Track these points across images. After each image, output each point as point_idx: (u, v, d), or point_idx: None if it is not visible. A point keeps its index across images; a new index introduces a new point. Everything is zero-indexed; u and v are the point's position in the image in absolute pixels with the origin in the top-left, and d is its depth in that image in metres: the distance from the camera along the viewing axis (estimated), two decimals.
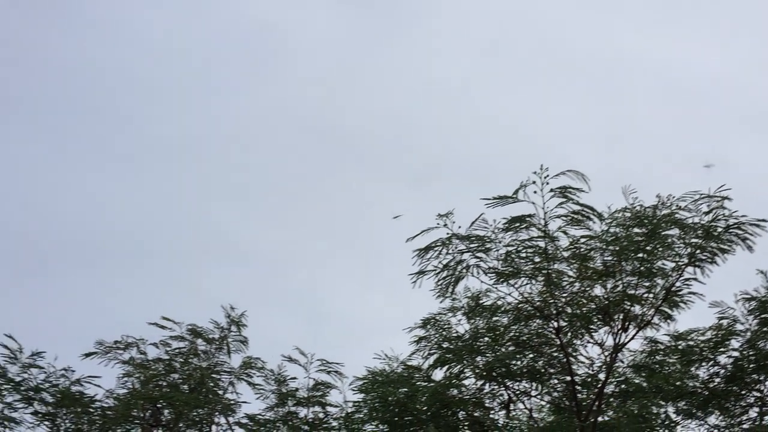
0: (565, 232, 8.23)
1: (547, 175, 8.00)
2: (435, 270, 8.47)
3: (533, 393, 9.13)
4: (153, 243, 21.00)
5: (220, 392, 10.20)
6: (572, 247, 8.32)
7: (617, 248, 8.29)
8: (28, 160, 21.70)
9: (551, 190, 8.02)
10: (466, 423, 9.06)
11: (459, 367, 8.86)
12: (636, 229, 8.35)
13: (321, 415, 10.14)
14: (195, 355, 10.43)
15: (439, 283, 8.57)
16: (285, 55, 24.10)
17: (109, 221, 21.17)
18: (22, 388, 9.63)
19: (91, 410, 9.78)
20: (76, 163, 22.09)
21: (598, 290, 8.53)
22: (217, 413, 10.02)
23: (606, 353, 8.76)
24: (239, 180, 22.74)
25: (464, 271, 8.48)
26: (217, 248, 21.52)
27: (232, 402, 10.14)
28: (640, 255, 8.29)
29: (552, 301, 8.48)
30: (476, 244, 8.37)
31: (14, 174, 21.34)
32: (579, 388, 8.86)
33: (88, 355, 10.17)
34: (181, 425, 10.04)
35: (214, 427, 10.06)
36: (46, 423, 9.75)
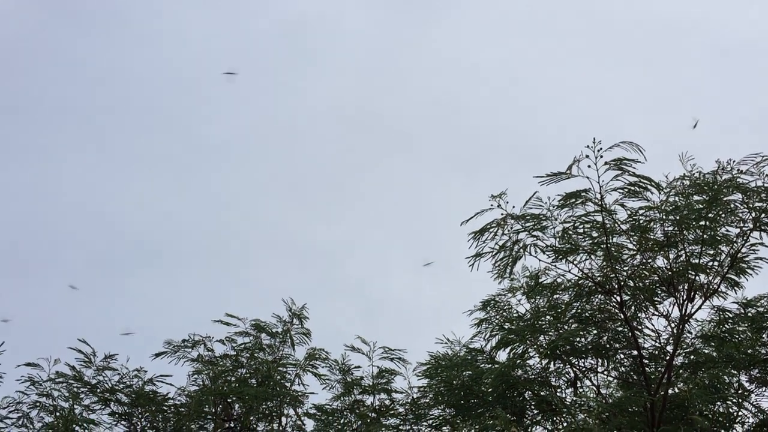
0: (622, 205, 7.80)
1: (601, 149, 7.58)
2: (492, 252, 8.16)
3: (600, 369, 8.75)
4: (209, 242, 21.10)
5: (287, 384, 10.09)
6: (631, 219, 7.89)
7: (678, 217, 7.82)
8: (82, 167, 22.01)
9: (605, 163, 7.59)
10: (533, 403, 8.73)
11: (522, 347, 8.53)
12: (696, 197, 7.88)
13: (387, 402, 9.95)
14: (260, 349, 10.34)
15: (496, 265, 8.25)
16: (323, 46, 23.87)
17: (164, 223, 21.35)
18: (98, 390, 9.69)
19: (165, 408, 9.79)
20: (126, 167, 22.32)
21: (660, 261, 8.09)
22: (285, 405, 9.91)
23: (672, 325, 8.32)
24: (289, 175, 22.69)
25: (521, 250, 8.13)
26: (272, 244, 21.52)
27: (299, 393, 10.03)
28: (702, 223, 7.81)
29: (613, 275, 8.07)
30: (532, 223, 8.01)
31: (71, 182, 21.68)
32: (646, 361, 8.43)
33: (158, 354, 10.18)
34: (251, 418, 9.97)
35: (283, 419, 9.97)
36: (123, 423, 9.79)
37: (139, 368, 9.91)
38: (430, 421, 9.58)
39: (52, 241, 20.25)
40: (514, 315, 9.16)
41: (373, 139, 23.04)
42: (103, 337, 10.39)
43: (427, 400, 9.63)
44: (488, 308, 9.33)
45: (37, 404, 9.57)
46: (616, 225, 7.91)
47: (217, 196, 21.65)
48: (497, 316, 9.20)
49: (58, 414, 9.43)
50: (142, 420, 9.77)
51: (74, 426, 9.24)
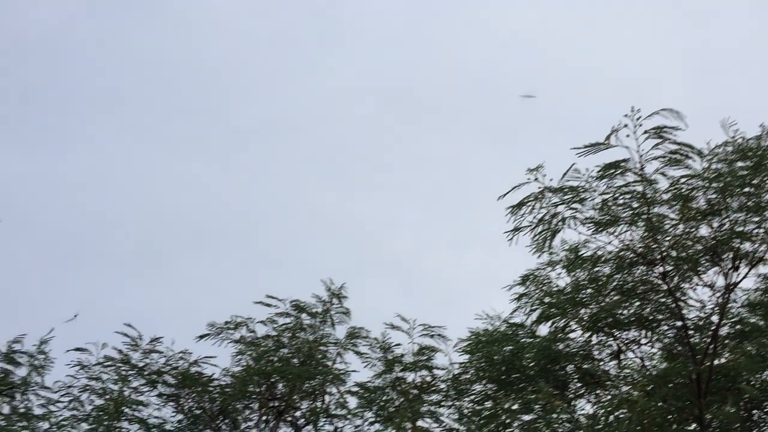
0: (663, 174, 7.62)
1: (640, 117, 7.41)
2: (530, 225, 8.04)
3: (643, 341, 8.60)
4: (249, 223, 21.27)
5: (329, 363, 10.15)
6: (672, 188, 7.70)
7: (721, 185, 7.61)
8: (126, 153, 22.32)
9: (645, 132, 7.42)
10: (576, 376, 8.64)
11: (564, 320, 8.42)
12: (740, 163, 7.65)
13: (428, 379, 9.94)
14: (301, 329, 10.41)
15: (535, 239, 8.14)
16: (354, 22, 23.70)
17: (204, 205, 21.58)
18: (146, 372, 9.86)
19: (211, 389, 9.92)
20: (167, 151, 22.56)
21: (703, 230, 7.89)
22: (328, 383, 9.97)
23: (717, 294, 8.13)
24: (326, 154, 22.70)
25: (560, 223, 8.00)
26: (311, 223, 21.61)
27: (341, 372, 10.08)
28: (747, 190, 7.59)
29: (655, 246, 7.90)
30: (570, 195, 7.87)
31: (120, 167, 22.01)
32: (691, 332, 8.27)
33: (201, 336, 10.29)
34: (295, 397, 10.06)
35: (326, 397, 10.03)
36: (171, 403, 9.96)
37: (185, 350, 10.05)
38: (472, 397, 9.55)
39: (101, 228, 20.63)
40: (554, 289, 9.04)
41: (408, 113, 22.86)
42: (149, 320, 10.57)
43: (468, 376, 9.59)
44: (528, 283, 9.22)
45: (87, 387, 9.78)
46: (657, 194, 7.73)
47: (254, 177, 21.79)
48: (537, 291, 9.09)
49: (107, 396, 9.63)
50: (189, 400, 9.93)
51: (124, 408, 9.44)
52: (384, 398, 9.78)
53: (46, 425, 9.49)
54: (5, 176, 21.00)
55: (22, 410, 9.98)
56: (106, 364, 9.81)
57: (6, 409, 10.10)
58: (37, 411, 9.94)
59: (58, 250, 20.13)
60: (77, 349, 9.89)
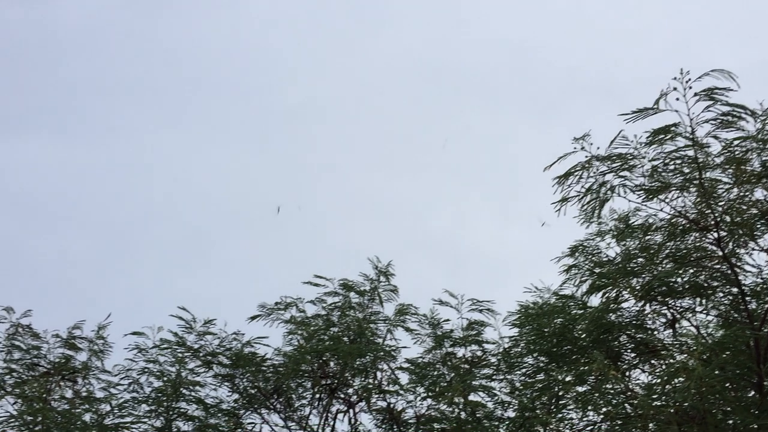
0: (715, 137, 7.40)
1: (689, 80, 7.19)
2: (578, 195, 7.91)
3: (698, 309, 8.43)
4: (292, 206, 21.40)
5: (379, 340, 10.19)
6: (725, 151, 7.47)
7: None
8: (173, 141, 22.62)
9: (695, 95, 7.20)
10: (630, 346, 8.51)
11: (615, 290, 8.28)
12: None
13: (479, 353, 9.91)
14: (350, 308, 10.46)
15: (583, 209, 8.00)
16: (389, 4, 23.53)
17: (249, 189, 21.76)
18: (201, 354, 10.03)
19: (264, 368, 10.06)
20: (210, 137, 22.77)
21: (759, 194, 7.66)
22: (379, 360, 10.02)
23: None
24: (368, 134, 22.65)
25: (609, 192, 7.85)
26: (355, 203, 21.66)
27: (392, 348, 10.11)
28: None
29: (708, 211, 7.70)
30: (619, 163, 7.70)
31: (163, 156, 22.34)
32: (748, 298, 8.06)
33: (253, 318, 10.42)
34: (347, 374, 10.13)
35: (378, 374, 10.08)
36: (226, 384, 10.13)
37: (237, 332, 10.19)
38: (524, 370, 9.49)
39: (149, 216, 21.05)
40: (604, 259, 8.90)
41: (449, 91, 22.62)
42: (201, 304, 10.73)
43: (519, 349, 9.53)
44: (576, 254, 9.10)
45: (145, 370, 9.99)
46: (709, 158, 7.52)
47: (298, 159, 21.86)
48: (586, 262, 8.96)
49: (165, 378, 9.84)
50: (244, 380, 10.08)
51: (181, 389, 9.63)
52: (435, 373, 9.79)
53: (107, 408, 9.72)
54: (54, 170, 21.54)
55: (84, 394, 10.27)
56: (162, 347, 10.00)
57: (69, 394, 10.41)
58: (99, 394, 10.22)
59: (109, 240, 20.60)
60: (134, 333, 10.10)
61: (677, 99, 7.18)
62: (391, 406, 10.03)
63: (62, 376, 10.32)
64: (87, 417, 9.45)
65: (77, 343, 10.43)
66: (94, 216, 20.91)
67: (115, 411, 9.57)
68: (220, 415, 9.88)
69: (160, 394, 9.68)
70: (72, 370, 10.31)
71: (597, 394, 8.02)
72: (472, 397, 9.24)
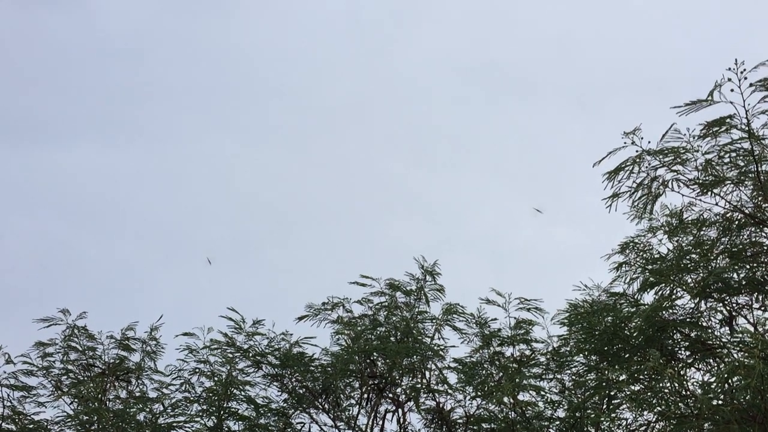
0: None
1: (744, 70, 6.95)
2: (629, 191, 7.71)
3: (756, 305, 8.14)
4: (335, 206, 21.45)
5: (427, 340, 10.10)
6: None
7: None
8: (216, 145, 22.86)
9: (751, 85, 6.95)
10: (685, 344, 8.25)
11: (669, 287, 8.05)
12: None
13: (527, 352, 9.75)
14: (396, 307, 10.39)
15: (634, 204, 7.80)
16: (429, 2, 23.40)
17: (291, 190, 21.86)
18: (250, 354, 10.07)
19: (313, 368, 10.05)
20: (250, 140, 22.93)
21: None
22: (427, 360, 9.93)
23: None
24: (408, 132, 22.55)
25: (661, 187, 7.64)
26: (397, 203, 21.58)
27: (441, 347, 10.01)
28: None
29: (765, 205, 7.43)
30: (671, 157, 7.49)
31: (207, 160, 22.59)
32: None
33: (301, 318, 10.44)
34: (395, 374, 10.07)
35: (426, 373, 9.99)
36: (275, 383, 10.15)
37: (285, 332, 10.21)
38: (574, 369, 9.29)
39: (195, 220, 21.31)
40: (656, 256, 8.67)
41: (489, 87, 22.42)
42: (249, 305, 10.79)
43: (569, 348, 9.34)
44: (627, 251, 8.88)
45: (197, 370, 10.08)
46: (766, 151, 7.25)
47: (338, 159, 21.93)
48: (638, 258, 8.74)
49: (216, 378, 9.90)
50: (293, 380, 10.09)
51: (232, 388, 9.68)
52: (484, 373, 9.66)
53: (160, 407, 9.83)
54: (102, 174, 21.95)
55: (137, 394, 10.41)
56: (212, 347, 10.07)
57: (123, 394, 10.56)
58: (152, 394, 10.35)
59: (158, 243, 20.92)
60: (185, 334, 10.20)
61: (732, 90, 6.94)
62: (440, 405, 9.93)
63: (116, 377, 10.48)
64: (141, 416, 9.56)
65: (131, 344, 10.59)
66: (144, 219, 21.28)
67: (168, 411, 9.67)
68: (269, 414, 9.90)
69: (211, 394, 9.75)
70: (126, 371, 10.46)
71: (651, 393, 7.79)
72: (521, 397, 9.08)
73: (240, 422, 9.69)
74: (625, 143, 7.58)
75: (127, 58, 23.13)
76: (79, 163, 22.16)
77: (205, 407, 9.66)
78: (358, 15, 22.99)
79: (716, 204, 7.66)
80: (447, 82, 22.73)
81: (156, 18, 23.22)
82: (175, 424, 9.45)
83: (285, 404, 10.12)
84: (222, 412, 9.56)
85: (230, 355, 9.97)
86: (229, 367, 9.86)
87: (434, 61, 22.69)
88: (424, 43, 23.05)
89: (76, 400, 9.98)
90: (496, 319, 9.97)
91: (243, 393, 9.74)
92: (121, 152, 22.69)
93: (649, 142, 7.57)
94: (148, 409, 9.64)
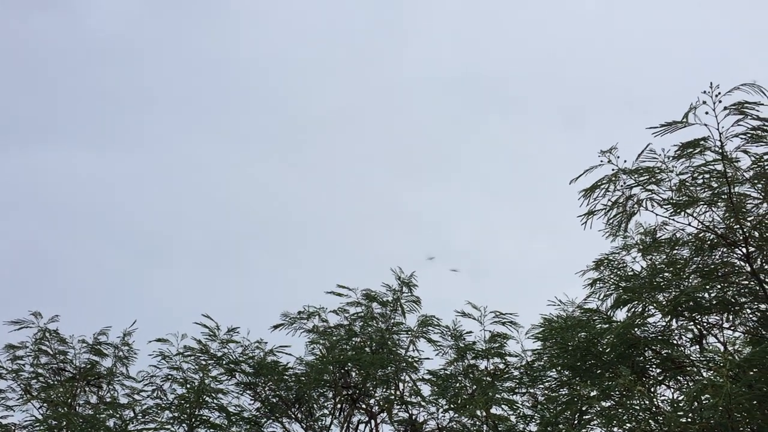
0: (745, 152, 7.25)
1: (719, 93, 7.06)
2: (604, 209, 7.79)
3: (726, 325, 8.24)
4: (317, 215, 21.44)
5: (402, 351, 10.10)
6: (755, 166, 7.32)
7: None
8: (201, 152, 22.76)
9: (725, 108, 7.06)
10: (656, 362, 8.33)
11: (641, 305, 8.13)
12: None
13: (501, 366, 9.79)
14: (372, 318, 10.40)
15: (609, 222, 7.88)
16: (419, 11, 23.53)
17: (273, 199, 21.82)
18: (224, 361, 10.01)
19: (286, 377, 10.01)
20: (235, 148, 22.88)
21: None
22: (401, 371, 9.93)
23: None
24: (393, 144, 22.63)
25: (635, 206, 7.73)
26: (379, 213, 21.61)
27: (414, 359, 10.02)
28: None
29: (737, 226, 7.54)
30: (646, 177, 7.58)
31: (190, 166, 22.49)
32: None
33: (276, 326, 10.41)
34: (368, 385, 10.06)
35: (400, 385, 9.99)
36: (248, 392, 10.10)
37: (260, 340, 10.17)
38: (547, 384, 9.34)
39: (176, 225, 21.17)
40: (630, 273, 8.75)
41: (473, 100, 22.55)
42: (225, 312, 10.73)
43: (542, 363, 9.39)
44: (602, 267, 8.96)
45: (169, 377, 10.00)
46: (739, 173, 7.37)
47: (322, 169, 21.92)
48: (612, 275, 8.82)
49: (188, 385, 9.82)
50: (266, 389, 10.04)
51: (204, 396, 9.61)
52: (457, 385, 9.67)
53: (131, 414, 9.73)
54: (84, 177, 21.74)
55: (108, 399, 10.29)
56: (186, 354, 10.00)
57: (93, 399, 10.44)
58: (123, 400, 10.24)
59: (137, 247, 20.73)
60: (158, 340, 10.12)
61: (706, 113, 7.04)
62: (413, 417, 9.93)
63: (87, 382, 10.36)
64: (111, 422, 9.45)
65: (103, 348, 10.48)
66: (121, 223, 21.11)
67: (139, 417, 9.57)
68: (241, 423, 9.84)
69: (183, 401, 9.67)
70: (97, 376, 10.34)
71: (621, 410, 7.85)
72: (494, 410, 9.10)
73: (211, 430, 9.61)
74: (601, 161, 7.67)
75: (114, 61, 23.01)
76: (59, 164, 21.96)
77: (176, 414, 9.57)
78: (347, 27, 23.09)
79: (689, 224, 7.77)
80: (433, 94, 22.88)
81: (146, 22, 23.14)
82: (145, 431, 9.35)
83: (257, 413, 10.06)
84: (193, 420, 9.48)
85: (203, 363, 9.89)
86: (201, 375, 9.78)
87: (421, 73, 22.82)
88: (412, 55, 23.18)
89: (45, 404, 9.84)
90: (471, 332, 10.02)
91: (215, 401, 9.67)
92: (102, 155, 22.53)
93: (625, 161, 7.67)
94: (118, 415, 9.53)
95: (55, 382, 10.23)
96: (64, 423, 9.15)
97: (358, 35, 23.44)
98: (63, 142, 22.73)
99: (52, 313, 10.37)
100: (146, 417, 9.61)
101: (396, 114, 22.95)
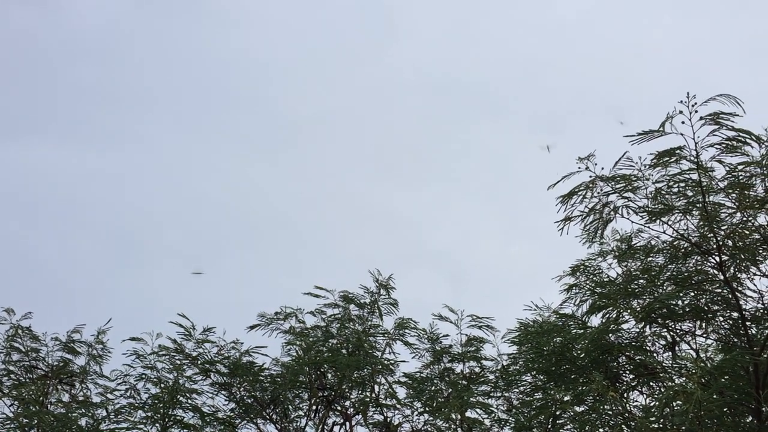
0: (720, 162, 7.35)
1: (695, 103, 7.15)
2: (581, 215, 7.85)
3: (698, 332, 8.35)
4: (297, 216, 21.40)
5: (378, 353, 10.11)
6: (729, 176, 7.42)
7: None
8: (181, 150, 22.63)
9: (701, 119, 7.15)
10: (629, 368, 8.42)
11: (616, 311, 8.21)
12: None
13: (477, 370, 9.83)
14: (349, 320, 10.39)
15: (586, 228, 7.95)
16: (403, 15, 23.59)
17: (254, 200, 21.75)
18: (199, 361, 9.95)
19: (262, 378, 9.97)
20: (217, 147, 22.78)
21: (762, 219, 7.61)
22: (377, 374, 9.93)
23: None
24: (374, 146, 22.66)
25: (612, 213, 7.80)
26: (358, 215, 21.62)
27: (390, 362, 10.03)
28: None
29: (711, 235, 7.64)
30: (622, 184, 7.65)
31: (170, 164, 22.34)
32: (748, 323, 7.98)
33: (252, 327, 10.36)
34: (344, 387, 10.05)
35: (376, 387, 9.99)
36: (223, 392, 10.04)
37: (236, 340, 10.12)
38: (522, 388, 9.41)
39: (153, 224, 21.00)
40: (605, 279, 8.84)
41: (455, 105, 22.64)
42: (201, 312, 10.67)
43: (518, 367, 9.45)
44: (578, 273, 9.05)
45: (143, 376, 9.91)
46: (713, 183, 7.46)
47: (302, 172, 21.88)
48: (588, 281, 8.90)
49: (162, 385, 9.75)
50: (241, 390, 10.00)
51: (178, 396, 9.54)
52: (433, 389, 9.70)
53: (103, 413, 9.64)
54: (61, 173, 21.53)
55: (81, 398, 10.19)
56: (160, 353, 9.92)
57: (66, 397, 10.33)
58: (96, 399, 10.14)
59: (114, 245, 20.56)
60: (133, 339, 10.03)
61: (683, 122, 7.13)
62: (388, 419, 9.94)
63: (60, 380, 10.26)
64: (83, 421, 9.36)
65: (76, 347, 10.38)
66: (99, 220, 20.91)
67: (111, 416, 9.48)
68: (216, 423, 9.78)
69: (156, 401, 9.60)
70: (70, 374, 10.24)
71: (594, 415, 7.93)
72: (469, 414, 9.14)
73: (185, 431, 9.54)
74: (579, 168, 7.73)
75: (97, 57, 22.81)
76: (35, 160, 21.70)
77: (149, 414, 9.49)
78: (331, 29, 23.08)
79: (664, 232, 7.85)
80: (413, 97, 22.93)
81: (125, 18, 22.94)
82: (117, 431, 9.27)
83: (232, 414, 10.01)
84: (167, 420, 9.41)
85: (178, 362, 9.83)
86: (176, 374, 9.71)
87: (402, 76, 22.88)
88: (393, 58, 23.23)
89: (16, 402, 9.72)
90: (447, 335, 10.05)
91: (189, 401, 9.60)
92: (80, 150, 22.30)
93: (602, 168, 7.73)
94: (90, 414, 9.43)
95: (27, 380, 10.11)
96: (36, 421, 9.05)
97: (343, 37, 23.47)
98: (43, 139, 22.49)
99: (25, 310, 10.25)
100: (119, 416, 9.52)
101: (378, 116, 23.00)
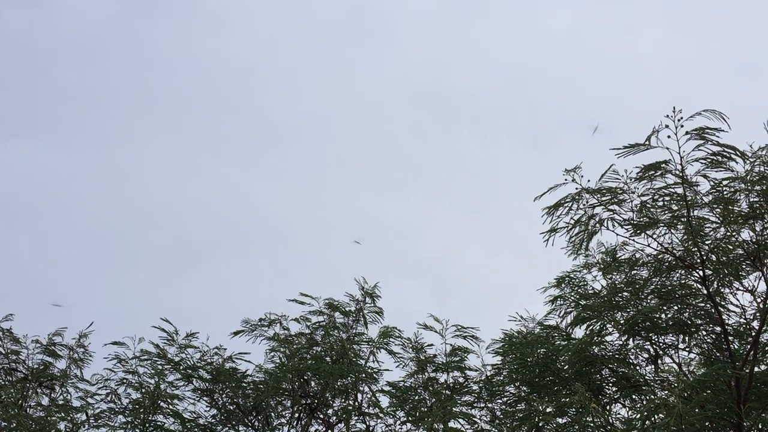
0: (705, 176, 7.43)
1: (681, 118, 7.23)
2: (566, 227, 7.91)
3: (681, 346, 8.41)
4: (281, 222, 21.39)
5: (362, 362, 10.09)
6: (714, 190, 7.51)
7: (764, 188, 7.41)
8: (167, 153, 22.59)
9: (686, 133, 7.23)
10: (612, 380, 8.46)
11: (600, 323, 8.26)
12: None
13: (461, 380, 9.83)
14: (334, 328, 10.37)
15: (571, 240, 8.00)
16: (391, 23, 23.72)
17: (238, 204, 21.72)
18: (181, 367, 9.89)
19: (245, 384, 9.93)
20: (200, 151, 22.74)
21: (745, 234, 7.69)
22: (361, 382, 9.92)
23: (759, 300, 7.91)
24: (360, 154, 22.71)
25: (597, 225, 7.86)
26: (343, 223, 21.62)
27: (374, 370, 10.01)
28: None
29: (695, 249, 7.71)
30: (608, 197, 7.72)
31: (156, 167, 22.28)
32: (731, 338, 8.05)
33: (236, 333, 10.32)
34: (327, 395, 10.02)
35: (359, 396, 9.98)
36: (205, 398, 9.99)
37: (219, 346, 10.08)
38: (505, 399, 9.42)
39: (138, 226, 20.91)
40: (590, 291, 8.89)
41: (443, 114, 22.76)
42: (185, 316, 10.62)
43: (501, 378, 9.47)
44: (563, 285, 9.09)
45: (124, 381, 9.85)
46: (698, 197, 7.54)
47: (288, 176, 21.89)
48: (572, 293, 8.95)
49: (143, 390, 9.69)
50: (223, 396, 9.95)
51: (159, 401, 9.48)
52: (416, 398, 9.69)
53: (83, 417, 9.55)
54: (44, 174, 21.40)
55: (60, 402, 10.10)
56: (142, 358, 9.86)
57: (45, 401, 10.24)
58: (76, 403, 10.05)
59: (97, 247, 20.45)
60: (115, 343, 9.96)
61: (668, 137, 7.22)
62: (371, 428, 9.92)
63: (40, 383, 10.16)
64: (62, 425, 9.28)
65: (57, 350, 10.29)
66: (82, 222, 20.80)
67: (91, 421, 9.41)
68: (197, 430, 9.72)
69: (137, 406, 9.53)
70: (50, 377, 10.15)
71: (577, 427, 7.96)
72: (451, 424, 9.13)
73: None
74: (566, 180, 7.79)
75: (80, 59, 22.73)
76: (18, 160, 21.57)
77: (129, 419, 9.42)
78: (318, 35, 23.15)
79: (648, 245, 7.92)
80: (401, 106, 23.02)
81: (111, 20, 22.89)
82: None
83: (213, 420, 9.96)
84: (147, 425, 9.34)
85: (160, 367, 9.77)
86: (157, 379, 9.65)
87: (390, 85, 22.98)
88: (382, 66, 23.34)
89: None
90: (432, 344, 10.04)
91: (170, 406, 9.54)
92: (63, 151, 22.19)
93: (588, 180, 7.80)
94: (70, 418, 9.35)
95: (6, 383, 10.01)
96: (14, 424, 8.95)
97: (332, 43, 23.53)
98: (23, 139, 22.37)
99: (5, 312, 10.17)
100: (99, 421, 9.45)
101: (365, 124, 23.07)
